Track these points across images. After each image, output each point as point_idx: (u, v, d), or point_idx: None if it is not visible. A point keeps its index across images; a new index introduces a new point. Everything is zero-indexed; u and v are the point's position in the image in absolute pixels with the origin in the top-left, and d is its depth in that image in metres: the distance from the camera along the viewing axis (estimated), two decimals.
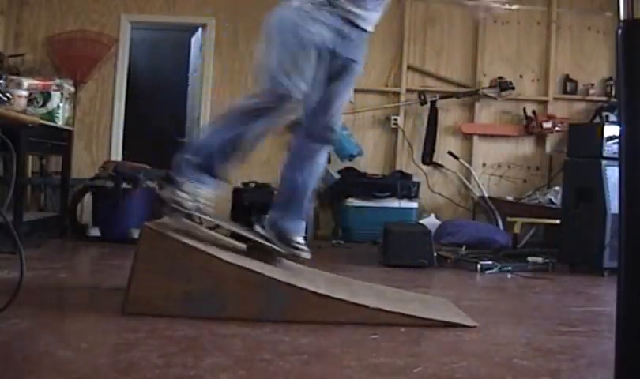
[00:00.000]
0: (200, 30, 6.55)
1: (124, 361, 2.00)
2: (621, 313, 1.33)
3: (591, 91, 6.47)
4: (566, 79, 6.52)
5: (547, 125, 6.30)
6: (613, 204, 4.56)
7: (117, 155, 6.26)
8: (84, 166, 6.07)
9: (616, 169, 5.18)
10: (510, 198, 6.27)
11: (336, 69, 2.99)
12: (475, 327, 2.66)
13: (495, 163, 6.51)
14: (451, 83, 6.50)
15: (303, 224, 3.06)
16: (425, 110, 6.37)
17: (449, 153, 6.41)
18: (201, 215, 2.93)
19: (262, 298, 2.59)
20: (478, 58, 6.49)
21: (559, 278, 4.38)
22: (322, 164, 3.09)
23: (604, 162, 4.64)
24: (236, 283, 2.59)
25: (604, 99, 6.41)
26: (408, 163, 6.42)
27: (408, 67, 6.46)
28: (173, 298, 2.56)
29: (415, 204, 6.10)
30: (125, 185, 5.22)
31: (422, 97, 6.32)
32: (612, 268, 4.51)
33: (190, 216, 2.87)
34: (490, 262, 4.59)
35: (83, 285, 3.53)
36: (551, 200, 5.86)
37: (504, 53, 6.54)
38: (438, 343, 2.42)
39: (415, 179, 6.25)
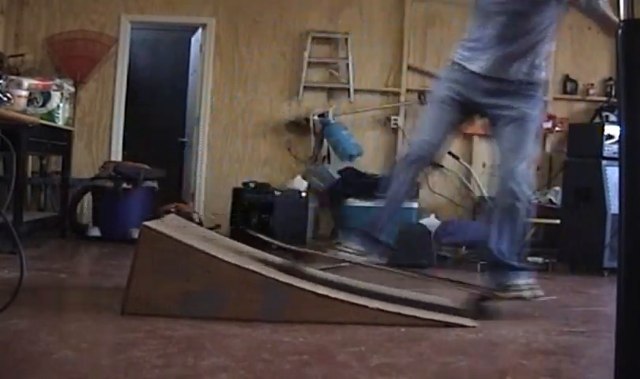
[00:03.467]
0: (200, 30, 6.55)
1: (124, 361, 2.00)
2: (621, 313, 1.33)
3: (591, 92, 6.47)
4: (566, 79, 6.51)
5: (547, 125, 6.30)
6: (613, 204, 4.56)
7: (117, 155, 6.26)
8: (84, 166, 6.07)
9: (616, 169, 5.18)
10: None
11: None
12: (474, 327, 2.66)
13: (495, 163, 6.50)
14: None
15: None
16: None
17: (449, 153, 6.40)
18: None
19: (262, 298, 2.59)
20: None
21: (559, 278, 4.38)
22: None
23: (604, 162, 4.64)
24: (236, 283, 2.59)
25: (604, 99, 6.40)
26: None
27: (408, 67, 6.45)
28: (172, 297, 2.56)
29: (415, 205, 6.09)
30: (125, 185, 5.23)
31: (422, 97, 6.32)
32: (612, 267, 4.52)
33: None
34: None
35: (83, 285, 3.53)
36: (551, 200, 5.86)
37: None
38: (438, 343, 2.42)
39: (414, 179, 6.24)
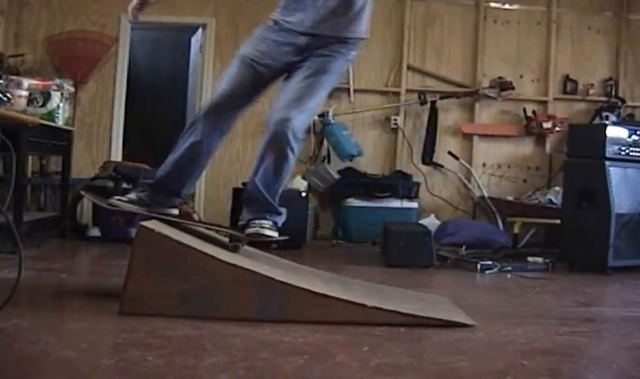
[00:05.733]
0: (200, 30, 6.55)
1: (124, 361, 2.00)
2: None
3: (591, 92, 6.47)
4: (566, 79, 6.52)
5: (547, 125, 6.30)
6: (617, 204, 4.57)
7: (117, 155, 6.26)
8: (84, 166, 6.07)
9: (619, 170, 5.23)
10: (510, 198, 6.26)
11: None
12: (474, 326, 2.66)
13: (495, 163, 6.51)
14: (451, 83, 6.50)
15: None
16: (425, 110, 6.37)
17: (449, 153, 6.41)
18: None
19: (259, 298, 2.59)
20: (478, 58, 6.49)
21: (559, 278, 4.38)
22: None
23: (607, 162, 4.65)
24: (233, 282, 2.59)
25: (604, 99, 6.41)
26: (408, 163, 6.41)
27: (408, 67, 6.46)
28: (170, 297, 2.56)
29: (415, 205, 6.10)
30: (125, 185, 5.23)
31: (422, 97, 6.32)
32: (616, 267, 4.53)
33: None
34: (490, 262, 4.59)
35: (83, 285, 3.53)
36: (551, 200, 5.86)
37: (504, 53, 6.54)
38: (438, 343, 2.42)
39: (415, 179, 6.25)
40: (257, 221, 2.92)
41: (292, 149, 2.84)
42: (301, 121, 2.84)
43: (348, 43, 2.97)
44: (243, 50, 3.02)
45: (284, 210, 3.01)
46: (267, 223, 2.92)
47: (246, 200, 3.02)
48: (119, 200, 3.01)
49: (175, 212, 3.08)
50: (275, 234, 2.93)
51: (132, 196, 3.04)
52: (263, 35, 3.01)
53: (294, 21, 2.93)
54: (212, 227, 3.14)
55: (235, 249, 2.90)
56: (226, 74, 3.04)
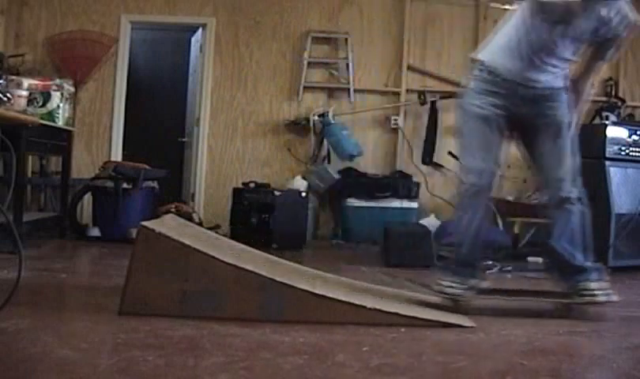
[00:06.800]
0: (200, 30, 6.55)
1: (124, 361, 2.00)
2: None
3: (591, 92, 6.46)
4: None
5: None
6: (617, 204, 4.57)
7: (117, 155, 6.26)
8: (84, 166, 6.07)
9: (619, 169, 5.22)
10: (510, 198, 6.26)
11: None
12: (472, 327, 2.66)
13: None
14: (451, 83, 6.49)
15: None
16: (425, 110, 6.37)
17: (450, 153, 6.40)
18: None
19: (259, 299, 2.59)
20: None
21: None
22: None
23: (607, 162, 4.65)
24: (233, 283, 2.59)
25: (604, 99, 6.41)
26: (408, 163, 6.41)
27: (408, 67, 6.45)
28: (170, 297, 2.56)
29: (415, 205, 6.09)
30: (125, 185, 5.23)
31: (422, 97, 6.32)
32: (616, 267, 4.53)
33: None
34: (490, 262, 4.59)
35: (83, 285, 3.53)
36: None
37: None
38: (438, 343, 2.42)
39: (415, 179, 6.24)
40: (587, 288, 3.02)
41: (577, 202, 3.07)
42: (570, 178, 3.07)
43: (562, 89, 3.15)
44: (470, 108, 3.05)
45: (598, 265, 3.13)
46: (595, 285, 3.02)
47: (552, 269, 3.17)
48: (452, 287, 3.01)
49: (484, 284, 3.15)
50: (613, 298, 3.03)
51: (464, 285, 3.03)
52: (480, 87, 3.03)
53: (511, 71, 2.97)
54: (536, 299, 3.20)
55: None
56: (467, 142, 3.10)
